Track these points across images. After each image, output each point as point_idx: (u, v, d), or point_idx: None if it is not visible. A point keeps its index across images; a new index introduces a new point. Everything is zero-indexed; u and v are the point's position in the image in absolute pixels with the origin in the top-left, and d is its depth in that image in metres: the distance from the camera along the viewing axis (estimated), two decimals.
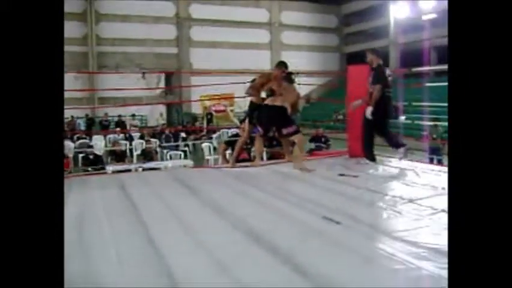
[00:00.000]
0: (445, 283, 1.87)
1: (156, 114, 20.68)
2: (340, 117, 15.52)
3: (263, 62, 24.15)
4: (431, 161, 8.70)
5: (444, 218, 2.84)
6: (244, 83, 5.40)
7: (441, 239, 2.41)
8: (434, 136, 10.30)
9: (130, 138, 11.56)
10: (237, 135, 6.85)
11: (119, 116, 17.43)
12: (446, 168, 4.65)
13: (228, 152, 6.56)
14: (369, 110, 4.98)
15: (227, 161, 6.36)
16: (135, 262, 2.15)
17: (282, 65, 5.05)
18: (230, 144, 6.67)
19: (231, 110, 18.51)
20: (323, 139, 9.42)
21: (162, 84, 22.21)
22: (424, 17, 21.42)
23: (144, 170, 7.59)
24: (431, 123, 12.14)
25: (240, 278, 1.95)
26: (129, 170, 7.33)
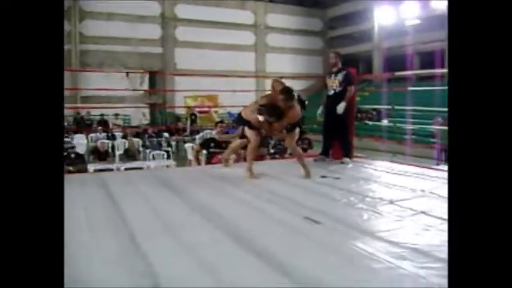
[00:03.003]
0: (424, 282, 1.92)
1: (139, 114, 20.51)
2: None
3: (248, 63, 24.19)
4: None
5: (423, 218, 2.89)
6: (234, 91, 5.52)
7: (420, 239, 2.46)
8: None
9: (113, 138, 11.46)
10: (213, 138, 6.77)
11: (102, 115, 17.25)
12: (427, 171, 4.72)
13: (202, 153, 6.48)
14: (342, 105, 5.31)
15: (199, 163, 6.31)
16: (116, 261, 2.14)
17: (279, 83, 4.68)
18: (204, 146, 6.59)
19: (215, 111, 18.48)
20: (306, 141, 9.49)
21: (146, 84, 22.02)
22: (408, 23, 21.69)
23: (126, 169, 7.55)
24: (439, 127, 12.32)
25: (222, 277, 1.96)
26: (111, 170, 7.27)
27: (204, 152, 6.44)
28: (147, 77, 22.03)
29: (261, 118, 4.16)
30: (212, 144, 6.49)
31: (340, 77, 5.42)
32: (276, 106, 4.15)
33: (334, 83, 5.43)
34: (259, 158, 6.96)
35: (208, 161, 6.32)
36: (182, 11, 23.40)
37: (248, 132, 4.42)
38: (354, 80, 5.60)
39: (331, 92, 5.47)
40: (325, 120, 5.65)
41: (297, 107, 4.36)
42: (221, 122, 7.50)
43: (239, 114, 4.64)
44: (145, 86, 21.91)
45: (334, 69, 5.53)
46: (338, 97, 5.39)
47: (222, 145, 6.51)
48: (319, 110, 5.80)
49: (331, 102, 5.46)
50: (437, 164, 9.35)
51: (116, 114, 18.37)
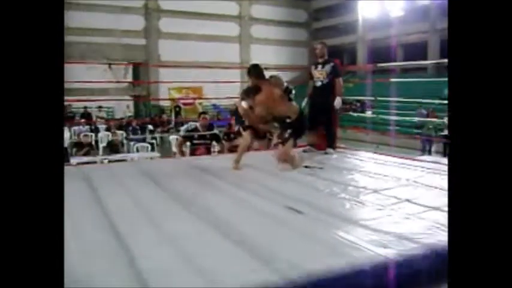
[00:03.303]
0: (405, 269, 1.93)
1: (123, 106, 20.33)
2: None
3: (232, 55, 24.09)
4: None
5: (407, 207, 2.91)
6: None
7: (402, 227, 2.47)
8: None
9: (96, 130, 11.35)
10: (195, 129, 6.69)
11: (85, 107, 17.04)
12: (410, 161, 4.76)
13: (187, 145, 6.43)
14: (339, 100, 5.38)
15: (183, 155, 6.27)
16: (97, 252, 2.12)
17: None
18: (187, 138, 6.53)
19: (200, 103, 18.40)
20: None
21: (130, 76, 21.82)
22: (392, 15, 21.80)
23: (110, 162, 7.48)
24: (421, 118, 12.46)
25: (203, 266, 1.95)
26: (94, 162, 7.20)
27: (188, 144, 6.39)
28: (130, 68, 21.83)
29: (243, 104, 4.18)
30: (196, 136, 6.44)
31: (327, 68, 5.42)
32: (252, 87, 4.16)
33: (321, 74, 5.43)
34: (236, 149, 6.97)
35: (193, 153, 6.28)
36: (166, 2, 23.19)
37: (243, 132, 4.46)
38: (341, 72, 5.61)
39: (319, 84, 5.46)
40: (310, 112, 5.62)
41: (293, 104, 4.30)
42: (204, 113, 7.41)
43: (236, 110, 4.75)
44: (129, 78, 21.73)
45: (321, 60, 5.52)
46: (325, 89, 5.40)
47: (206, 136, 6.47)
48: (304, 102, 5.78)
49: (319, 93, 5.46)
50: (422, 155, 9.47)
51: (100, 107, 18.18)
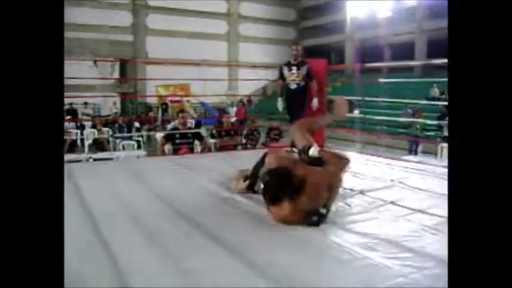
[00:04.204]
0: (390, 272, 1.93)
1: (110, 103, 20.14)
2: None
3: (220, 53, 24.04)
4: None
5: (393, 209, 2.92)
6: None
7: (388, 230, 2.48)
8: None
9: (81, 127, 11.21)
10: (177, 128, 6.60)
11: (70, 104, 16.84)
12: (396, 162, 4.78)
13: (167, 146, 6.35)
14: (316, 101, 5.31)
15: (164, 154, 6.19)
16: (79, 251, 2.08)
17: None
18: (169, 138, 6.43)
19: (187, 101, 18.30)
20: (277, 131, 9.58)
21: (117, 73, 21.63)
22: (380, 15, 21.92)
23: (95, 160, 7.39)
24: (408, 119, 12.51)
25: (189, 268, 1.93)
26: (79, 161, 7.11)
27: (168, 145, 6.28)
28: (117, 65, 21.65)
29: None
30: (177, 136, 6.35)
31: (303, 70, 5.35)
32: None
33: (297, 77, 5.36)
34: (231, 148, 6.93)
35: (175, 152, 6.21)
36: None
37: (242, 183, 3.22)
38: (314, 74, 5.56)
39: (294, 86, 5.39)
40: (291, 116, 5.52)
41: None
42: (182, 111, 7.27)
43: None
44: (116, 75, 21.53)
45: (295, 62, 5.42)
46: (301, 91, 5.35)
47: (187, 135, 6.40)
48: (279, 102, 5.70)
49: (295, 96, 5.40)
50: (409, 154, 9.56)
51: (85, 103, 17.97)
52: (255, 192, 3.06)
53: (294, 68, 5.37)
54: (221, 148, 6.69)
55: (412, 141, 10.24)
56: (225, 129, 7.24)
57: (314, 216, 2.53)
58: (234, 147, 7.01)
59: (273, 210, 2.55)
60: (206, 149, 6.45)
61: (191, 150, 6.38)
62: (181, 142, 6.30)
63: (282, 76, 5.53)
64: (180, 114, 6.73)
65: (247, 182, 3.09)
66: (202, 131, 7.44)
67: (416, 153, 9.77)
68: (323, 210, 2.57)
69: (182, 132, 6.38)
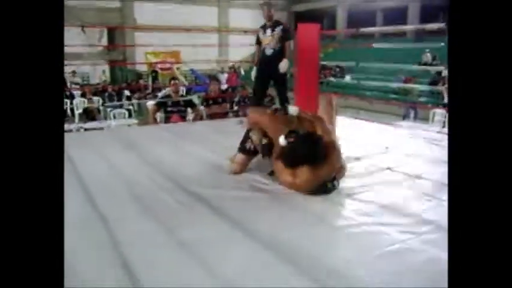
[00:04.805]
0: (387, 238, 1.93)
1: (99, 72, 19.82)
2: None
3: (210, 18, 23.58)
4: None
5: (389, 175, 2.92)
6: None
7: (385, 196, 2.48)
8: None
9: (71, 97, 11.04)
10: (168, 96, 6.51)
11: None
12: (390, 128, 4.77)
13: (159, 113, 6.27)
14: (285, 63, 4.70)
15: (156, 122, 6.12)
16: (74, 224, 2.06)
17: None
18: (161, 105, 6.35)
19: (177, 68, 18.05)
20: (269, 98, 9.46)
21: (105, 40, 21.19)
22: None
23: (86, 130, 7.32)
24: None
25: (185, 236, 1.92)
26: (70, 131, 7.03)
27: (160, 113, 6.22)
28: (105, 32, 21.19)
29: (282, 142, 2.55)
30: (169, 103, 6.28)
31: (278, 31, 4.77)
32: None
33: (271, 41, 4.77)
34: (223, 115, 6.85)
35: (167, 120, 6.16)
36: None
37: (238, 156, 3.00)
38: (292, 35, 4.99)
39: (269, 52, 4.77)
40: (259, 83, 4.95)
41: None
42: (174, 78, 7.16)
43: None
44: (104, 42, 21.10)
45: (269, 23, 4.86)
46: (278, 57, 4.71)
47: (179, 103, 6.33)
48: (253, 72, 5.11)
49: (270, 62, 4.74)
50: (403, 120, 9.58)
51: (74, 72, 17.66)
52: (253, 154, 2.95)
53: (269, 30, 4.80)
54: (211, 116, 6.60)
55: (410, 108, 10.19)
56: (212, 97, 7.14)
57: (329, 184, 2.50)
58: (225, 115, 6.92)
59: (288, 177, 2.48)
60: (198, 117, 6.38)
61: (183, 118, 6.31)
62: (173, 110, 6.23)
63: (258, 41, 4.95)
64: (172, 82, 6.63)
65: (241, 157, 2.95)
66: (194, 98, 7.35)
67: (415, 118, 9.73)
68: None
69: (174, 100, 6.29)
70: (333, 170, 2.51)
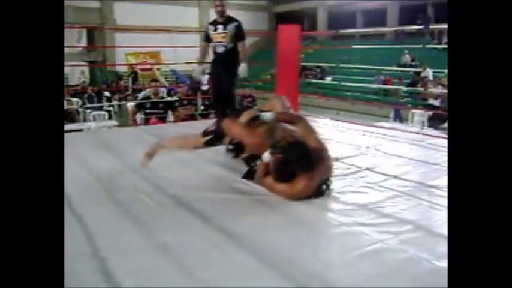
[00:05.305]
0: (367, 239, 1.95)
1: (78, 73, 19.55)
2: (268, 77, 15.50)
3: (191, 19, 23.48)
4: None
5: (368, 175, 2.94)
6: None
7: (364, 196, 2.50)
8: None
9: None
10: (149, 97, 6.48)
11: None
12: (370, 128, 4.81)
13: (139, 115, 6.22)
14: (244, 68, 4.42)
15: (136, 124, 6.08)
16: None
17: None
18: (140, 107, 6.31)
19: (158, 69, 17.92)
20: (249, 99, 9.47)
21: (84, 41, 20.90)
22: None
23: (65, 132, 7.21)
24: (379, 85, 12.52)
25: (166, 240, 1.90)
26: None
27: (139, 114, 6.19)
28: (84, 32, 20.92)
29: (267, 159, 2.50)
30: (148, 105, 6.24)
31: (231, 29, 4.37)
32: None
33: (224, 38, 4.36)
34: (191, 117, 6.79)
35: (146, 122, 6.12)
36: None
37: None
38: (245, 34, 4.52)
39: (221, 49, 4.39)
40: (215, 85, 4.61)
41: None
42: (154, 80, 7.14)
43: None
44: (83, 43, 20.84)
45: (222, 20, 4.44)
46: (230, 55, 4.37)
47: (158, 105, 6.30)
48: (200, 70, 4.98)
49: (222, 61, 4.41)
50: (395, 121, 9.66)
51: None
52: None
53: (220, 27, 4.40)
54: (185, 118, 6.52)
55: (397, 109, 10.26)
56: (181, 99, 7.13)
57: (323, 186, 2.50)
58: (191, 117, 6.78)
59: (284, 188, 2.42)
60: (179, 119, 6.35)
61: (163, 120, 6.27)
62: (153, 112, 6.19)
63: (207, 37, 4.53)
64: (152, 83, 6.61)
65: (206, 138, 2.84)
66: (175, 100, 7.32)
67: (401, 120, 9.77)
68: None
69: (154, 101, 6.26)
70: (326, 169, 2.51)
